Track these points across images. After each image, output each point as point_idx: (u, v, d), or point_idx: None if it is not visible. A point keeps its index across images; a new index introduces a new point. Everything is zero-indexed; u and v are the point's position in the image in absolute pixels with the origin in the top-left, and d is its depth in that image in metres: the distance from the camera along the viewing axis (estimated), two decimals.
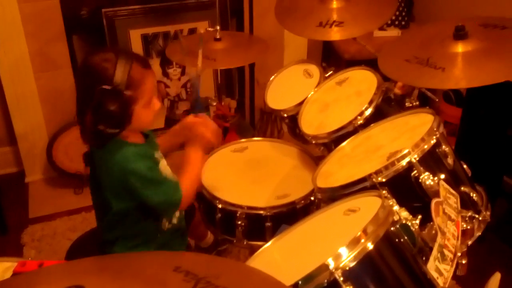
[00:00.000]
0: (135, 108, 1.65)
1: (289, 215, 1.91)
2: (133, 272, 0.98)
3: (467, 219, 1.53)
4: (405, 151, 1.48)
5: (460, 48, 1.73)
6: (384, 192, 1.40)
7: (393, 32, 3.48)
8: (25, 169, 3.30)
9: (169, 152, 1.99)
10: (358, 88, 2.02)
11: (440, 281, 1.26)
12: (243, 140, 2.37)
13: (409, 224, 1.31)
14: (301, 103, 2.13)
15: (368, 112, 1.87)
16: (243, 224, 1.94)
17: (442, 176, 1.47)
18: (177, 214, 1.91)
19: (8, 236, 2.86)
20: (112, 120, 1.61)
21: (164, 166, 1.82)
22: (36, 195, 3.20)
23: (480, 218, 1.57)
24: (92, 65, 1.64)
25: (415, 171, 1.47)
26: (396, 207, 1.33)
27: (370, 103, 1.89)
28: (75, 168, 3.07)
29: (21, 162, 3.29)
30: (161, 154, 1.85)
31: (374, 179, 1.48)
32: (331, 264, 1.16)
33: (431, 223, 1.33)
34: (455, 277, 1.39)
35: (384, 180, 1.48)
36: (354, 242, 1.19)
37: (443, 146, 1.54)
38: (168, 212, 1.82)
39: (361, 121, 1.86)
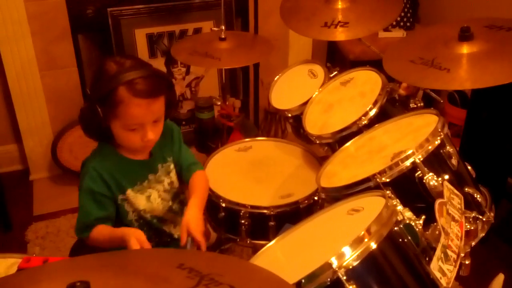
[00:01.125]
0: (113, 125, 1.61)
1: (293, 214, 1.91)
2: (137, 269, 0.99)
3: (470, 220, 1.53)
4: (409, 152, 1.48)
5: (465, 49, 1.72)
6: (388, 192, 1.40)
7: (398, 33, 3.49)
8: (29, 167, 3.31)
9: None
10: (363, 88, 2.02)
11: (443, 281, 1.26)
12: (247, 139, 2.37)
13: (413, 224, 1.30)
14: (305, 103, 2.14)
15: (372, 112, 1.87)
16: (246, 223, 1.94)
17: (446, 176, 1.47)
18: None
19: (13, 233, 2.87)
20: (83, 123, 1.62)
21: (134, 197, 1.73)
22: (41, 192, 3.21)
23: (484, 219, 1.56)
24: (102, 63, 1.62)
25: (419, 172, 1.46)
26: (399, 207, 1.32)
27: (375, 103, 1.89)
28: (80, 166, 3.06)
29: (26, 159, 3.30)
30: (162, 178, 1.81)
31: (378, 179, 1.48)
32: (334, 263, 1.16)
33: (435, 223, 1.32)
34: (458, 277, 1.39)
35: (388, 180, 1.48)
36: (358, 241, 1.19)
37: (448, 147, 1.54)
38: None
39: (365, 122, 1.86)
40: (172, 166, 1.85)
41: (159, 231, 1.84)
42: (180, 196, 1.89)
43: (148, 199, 1.77)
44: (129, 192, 1.73)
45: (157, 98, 1.60)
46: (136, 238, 1.51)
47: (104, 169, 1.68)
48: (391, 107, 1.93)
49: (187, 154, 1.91)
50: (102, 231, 1.65)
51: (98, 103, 1.55)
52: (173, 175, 1.86)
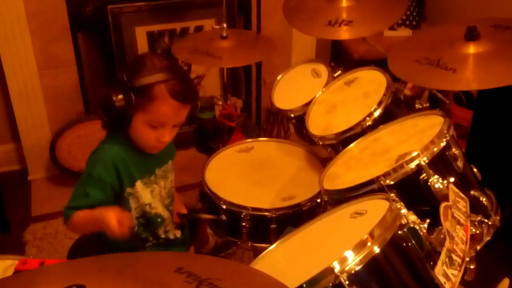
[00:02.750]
0: (136, 117, 1.62)
1: (295, 217, 1.90)
2: (134, 272, 0.98)
3: (476, 223, 1.50)
4: (414, 154, 1.46)
5: (471, 49, 1.70)
6: (392, 195, 1.38)
7: (404, 32, 3.46)
8: (28, 167, 3.30)
9: None
10: (367, 88, 2.00)
11: (447, 286, 1.24)
12: (249, 140, 2.36)
13: (417, 228, 1.29)
14: (308, 103, 2.11)
15: (377, 113, 1.85)
16: (247, 225, 1.92)
17: (452, 179, 1.45)
18: (166, 229, 1.89)
19: (10, 234, 2.85)
20: (107, 107, 1.60)
21: (143, 189, 1.75)
22: (39, 193, 3.20)
23: (490, 223, 1.54)
24: (144, 55, 1.67)
25: (424, 174, 1.44)
26: (404, 211, 1.31)
27: (379, 104, 1.86)
28: (78, 166, 3.06)
29: (24, 159, 3.28)
30: (167, 174, 1.83)
31: (382, 182, 1.46)
32: (337, 268, 1.14)
33: (440, 227, 1.31)
34: (463, 282, 1.37)
35: (392, 182, 1.45)
36: (360, 245, 1.17)
37: (453, 149, 1.52)
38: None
39: (369, 123, 1.84)
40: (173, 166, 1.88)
41: (155, 233, 1.82)
42: (171, 197, 1.89)
43: (152, 193, 1.77)
44: (138, 184, 1.73)
45: (188, 105, 1.68)
46: (114, 215, 1.51)
47: (119, 158, 1.68)
48: (396, 108, 1.91)
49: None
50: (83, 215, 1.63)
51: (134, 92, 1.58)
52: (173, 174, 1.88)
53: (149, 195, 1.76)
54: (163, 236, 1.85)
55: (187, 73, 1.68)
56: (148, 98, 1.59)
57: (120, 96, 1.58)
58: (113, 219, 1.50)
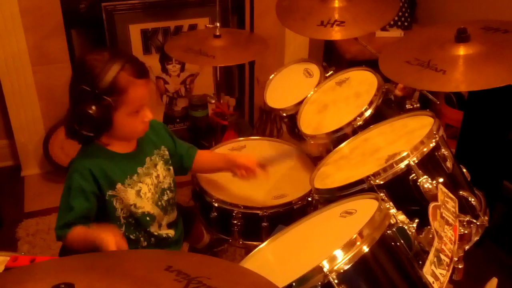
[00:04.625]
0: (116, 115, 1.61)
1: (286, 215, 1.90)
2: (124, 271, 0.98)
3: (465, 223, 1.51)
4: (404, 154, 1.47)
5: (461, 51, 1.71)
6: (381, 194, 1.39)
7: (396, 33, 3.47)
8: (21, 163, 3.29)
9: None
10: (358, 89, 2.01)
11: (435, 286, 1.25)
12: (241, 138, 2.36)
13: (406, 227, 1.30)
14: (300, 103, 2.12)
15: (367, 113, 1.86)
16: (239, 223, 1.92)
17: (441, 179, 1.46)
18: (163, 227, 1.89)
19: (3, 230, 2.84)
20: (87, 122, 1.59)
21: (125, 191, 1.72)
22: (32, 189, 3.19)
23: (478, 223, 1.56)
24: (83, 61, 1.62)
25: (414, 174, 1.45)
26: (393, 210, 1.32)
27: (370, 104, 1.88)
28: None
29: (17, 155, 3.28)
30: (151, 171, 1.80)
31: (372, 181, 1.47)
32: (326, 267, 1.15)
33: (428, 227, 1.32)
34: (451, 281, 1.38)
35: (382, 182, 1.47)
36: (350, 244, 1.18)
37: (443, 150, 1.53)
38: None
39: (360, 123, 1.86)
40: (158, 158, 1.84)
41: (146, 232, 1.82)
42: (167, 193, 1.87)
43: (138, 193, 1.76)
44: (119, 187, 1.71)
45: (149, 79, 1.69)
46: (113, 241, 1.48)
47: (94, 165, 1.67)
48: (386, 108, 1.92)
49: (181, 142, 1.96)
50: (78, 234, 1.62)
51: (105, 95, 1.57)
52: (160, 167, 1.84)
53: (133, 195, 1.74)
54: (155, 233, 1.85)
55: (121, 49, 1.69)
56: (120, 92, 1.58)
57: (94, 107, 1.57)
58: (112, 245, 1.47)
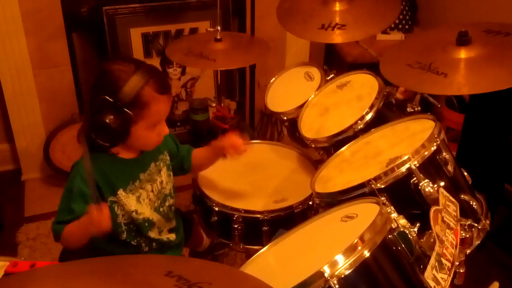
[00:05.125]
0: (135, 128, 1.62)
1: (287, 219, 1.90)
2: (124, 276, 0.97)
3: (466, 227, 1.51)
4: (405, 158, 1.46)
5: (463, 54, 1.71)
6: (382, 198, 1.39)
7: (397, 35, 3.47)
8: (21, 167, 3.28)
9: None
10: (359, 92, 2.00)
11: None
12: None
13: (407, 232, 1.29)
14: (301, 106, 2.12)
15: (368, 116, 1.86)
16: (240, 227, 1.92)
17: (442, 183, 1.46)
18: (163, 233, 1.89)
19: (3, 234, 2.83)
20: (105, 132, 1.59)
21: (126, 197, 1.73)
22: (32, 193, 3.18)
23: (480, 227, 1.55)
24: (108, 70, 1.62)
25: (415, 178, 1.45)
26: (394, 214, 1.31)
27: (371, 107, 1.87)
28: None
29: (18, 159, 3.27)
30: (153, 177, 1.81)
31: (373, 185, 1.47)
32: (327, 272, 1.14)
33: (430, 231, 1.31)
34: (452, 286, 1.37)
35: (383, 186, 1.46)
36: (351, 249, 1.17)
37: (444, 153, 1.52)
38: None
39: (361, 126, 1.85)
40: (162, 164, 1.85)
41: (147, 237, 1.82)
42: (169, 199, 1.88)
43: (138, 199, 1.76)
44: (121, 193, 1.71)
45: (171, 94, 1.71)
46: (94, 208, 1.50)
47: (96, 170, 1.65)
48: (387, 111, 1.91)
49: (181, 145, 1.98)
50: (72, 227, 1.62)
51: (127, 108, 1.57)
52: (163, 173, 1.85)
53: (134, 201, 1.75)
54: (156, 238, 1.85)
55: (146, 63, 1.70)
56: (142, 106, 1.59)
57: (114, 119, 1.57)
58: (93, 211, 1.49)
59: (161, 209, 1.84)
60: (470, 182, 1.68)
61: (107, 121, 1.56)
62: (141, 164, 1.78)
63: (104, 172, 1.68)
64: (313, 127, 2.01)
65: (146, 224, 1.79)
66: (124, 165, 1.73)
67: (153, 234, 1.83)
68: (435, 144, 1.51)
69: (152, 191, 1.80)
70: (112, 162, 1.71)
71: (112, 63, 1.65)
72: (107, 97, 1.56)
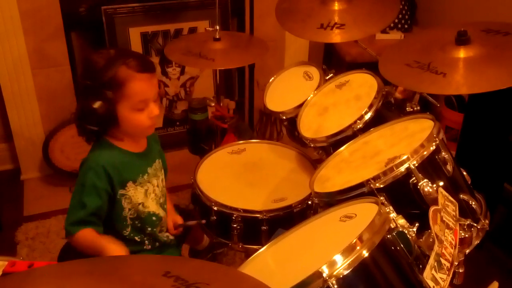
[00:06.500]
0: (119, 109, 1.63)
1: (286, 219, 1.90)
2: (122, 276, 0.97)
3: (465, 227, 1.50)
4: (404, 157, 1.46)
5: (462, 53, 1.70)
6: (381, 198, 1.38)
7: (396, 35, 3.47)
8: (20, 166, 3.28)
9: None
10: (358, 91, 2.00)
11: None
12: (241, 141, 2.36)
13: (406, 231, 1.28)
14: (300, 106, 2.11)
15: (367, 116, 1.85)
16: (238, 227, 1.92)
17: (441, 183, 1.45)
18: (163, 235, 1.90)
19: (2, 234, 2.84)
20: (92, 117, 1.61)
21: (134, 189, 1.75)
22: (31, 192, 3.18)
23: (479, 227, 1.54)
24: (89, 58, 1.66)
25: (414, 178, 1.45)
26: (393, 214, 1.30)
27: (370, 107, 1.87)
28: (71, 166, 3.06)
29: (17, 159, 3.27)
30: (157, 173, 1.83)
31: (371, 185, 1.46)
32: (325, 272, 1.14)
33: (429, 231, 1.31)
34: (451, 286, 1.37)
35: (381, 186, 1.46)
36: (349, 249, 1.17)
37: (443, 153, 1.52)
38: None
39: (360, 126, 1.85)
40: (161, 164, 1.88)
41: (151, 234, 1.82)
42: (165, 196, 1.90)
43: (146, 192, 1.78)
44: (130, 185, 1.73)
45: (154, 74, 1.70)
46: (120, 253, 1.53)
47: (107, 163, 1.68)
48: (386, 111, 1.91)
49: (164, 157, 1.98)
50: (87, 236, 1.64)
51: (105, 88, 1.60)
52: (161, 174, 1.88)
53: (142, 194, 1.76)
54: (158, 235, 1.85)
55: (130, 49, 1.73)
56: (120, 85, 1.60)
57: (97, 101, 1.60)
58: (118, 250, 1.53)
59: (164, 206, 1.85)
60: (469, 182, 1.67)
61: (92, 105, 1.59)
62: (148, 159, 1.80)
63: (115, 165, 1.69)
64: (312, 127, 2.01)
65: (153, 218, 1.81)
66: (133, 158, 1.75)
67: (158, 230, 1.85)
68: (434, 143, 1.50)
69: (158, 186, 1.83)
70: (121, 155, 1.73)
71: (95, 51, 1.69)
72: (88, 82, 1.61)
